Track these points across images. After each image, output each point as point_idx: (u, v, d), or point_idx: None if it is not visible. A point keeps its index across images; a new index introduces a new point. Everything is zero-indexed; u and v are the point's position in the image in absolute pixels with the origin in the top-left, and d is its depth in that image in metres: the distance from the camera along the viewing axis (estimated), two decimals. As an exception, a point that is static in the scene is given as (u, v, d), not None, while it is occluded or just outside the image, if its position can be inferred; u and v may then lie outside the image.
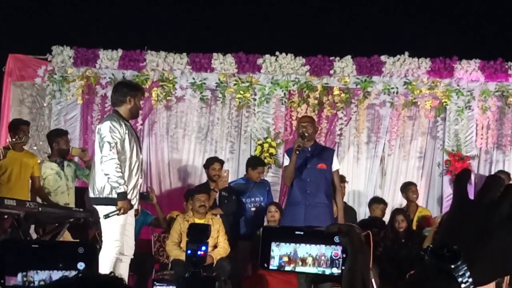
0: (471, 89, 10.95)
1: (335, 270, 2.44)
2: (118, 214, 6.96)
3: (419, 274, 1.52)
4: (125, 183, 6.97)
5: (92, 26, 12.36)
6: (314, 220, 8.05)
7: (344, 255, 2.36)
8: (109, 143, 6.94)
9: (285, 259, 2.46)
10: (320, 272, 2.48)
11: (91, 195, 7.16)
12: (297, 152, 8.07)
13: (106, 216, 6.96)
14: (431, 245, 1.46)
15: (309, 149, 8.36)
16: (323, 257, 2.44)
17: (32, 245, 3.79)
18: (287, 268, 2.51)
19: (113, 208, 6.96)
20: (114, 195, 6.96)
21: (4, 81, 11.56)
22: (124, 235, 7.19)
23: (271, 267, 2.51)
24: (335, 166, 8.45)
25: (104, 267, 6.74)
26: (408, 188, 10.61)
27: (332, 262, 2.42)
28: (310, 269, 2.49)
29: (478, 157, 11.19)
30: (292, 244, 2.46)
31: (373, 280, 8.37)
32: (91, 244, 7.28)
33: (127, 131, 7.13)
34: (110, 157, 6.92)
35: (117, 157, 6.94)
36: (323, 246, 2.45)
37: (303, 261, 2.46)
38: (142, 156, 7.67)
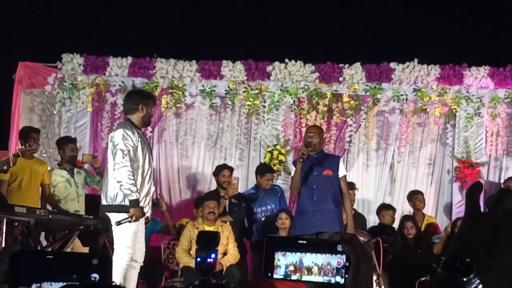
0: (480, 96, 10.94)
1: (340, 279, 2.45)
2: (130, 222, 6.97)
3: (432, 286, 1.53)
4: (137, 190, 6.97)
5: (102, 33, 12.41)
6: (323, 227, 8.01)
7: (348, 264, 2.37)
8: (122, 150, 6.95)
9: (291, 268, 2.47)
10: (326, 281, 2.49)
11: (103, 202, 7.15)
12: (301, 160, 8.07)
13: (118, 223, 6.95)
14: (443, 257, 1.47)
15: (314, 156, 8.34)
16: (329, 266, 2.45)
17: (46, 256, 3.79)
18: (293, 277, 2.51)
19: (125, 215, 6.98)
20: (127, 203, 6.96)
21: (15, 89, 11.59)
22: (136, 242, 7.21)
23: (275, 276, 2.52)
24: (341, 172, 8.42)
25: (116, 274, 6.78)
26: (415, 197, 10.59)
27: (338, 271, 2.43)
28: (316, 278, 2.49)
29: (488, 164, 11.17)
30: (298, 253, 2.47)
31: (383, 287, 8.36)
32: (105, 255, 7.32)
33: (139, 139, 7.15)
34: (123, 165, 6.92)
35: (129, 165, 6.96)
36: (328, 255, 2.46)
37: (309, 270, 2.47)
38: (153, 164, 7.70)
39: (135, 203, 6.94)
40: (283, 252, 2.52)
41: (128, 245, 7.05)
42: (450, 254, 1.51)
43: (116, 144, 6.97)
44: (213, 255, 3.22)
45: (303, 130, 11.00)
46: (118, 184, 6.96)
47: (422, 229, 10.38)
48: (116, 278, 6.80)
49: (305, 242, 2.54)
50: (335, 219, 8.19)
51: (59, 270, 3.48)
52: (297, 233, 8.34)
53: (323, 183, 8.22)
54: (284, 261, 2.52)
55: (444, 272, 1.47)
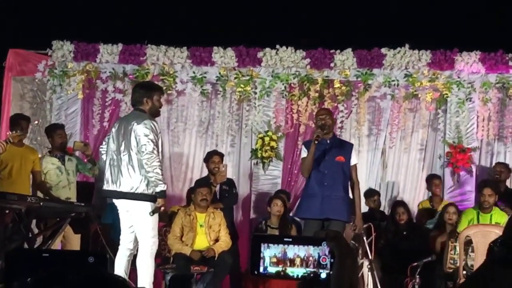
0: (471, 81, 10.94)
1: (323, 273, 2.46)
2: (159, 211, 7.24)
3: (489, 264, 1.54)
4: (165, 181, 7.19)
5: (92, 20, 12.33)
6: (330, 212, 8.03)
7: (332, 260, 2.38)
8: (153, 141, 7.06)
9: (274, 260, 2.49)
10: (308, 272, 2.50)
11: (126, 189, 7.16)
12: (316, 142, 8.02)
13: (153, 212, 7.15)
14: (500, 237, 1.48)
15: (328, 141, 8.30)
16: (310, 258, 2.47)
17: (42, 254, 3.78)
18: (277, 269, 2.53)
19: (150, 204, 7.16)
20: (149, 192, 7.13)
21: (5, 76, 11.54)
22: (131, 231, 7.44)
23: (261, 271, 2.53)
24: (353, 160, 8.40)
25: (149, 259, 7.26)
26: (431, 182, 10.63)
27: (319, 263, 2.45)
28: (298, 270, 2.51)
29: (479, 149, 11.18)
30: (281, 245, 2.49)
31: (374, 272, 8.39)
32: (101, 253, 7.40)
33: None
34: (154, 156, 7.05)
35: (157, 156, 7.08)
36: (311, 247, 2.47)
37: (292, 262, 2.49)
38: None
39: (164, 193, 7.18)
40: (267, 244, 2.53)
41: (155, 233, 7.33)
42: (508, 234, 1.52)
43: (147, 134, 7.07)
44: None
45: (295, 116, 11.03)
46: (144, 173, 7.09)
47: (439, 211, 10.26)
48: (150, 267, 7.27)
49: (290, 239, 2.56)
50: (344, 206, 8.18)
51: (55, 268, 3.46)
52: (303, 216, 8.35)
53: (334, 169, 8.19)
54: (268, 253, 2.53)
55: (501, 251, 1.48)
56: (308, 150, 8.23)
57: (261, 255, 2.58)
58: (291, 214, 10.02)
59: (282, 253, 2.58)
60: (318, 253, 2.50)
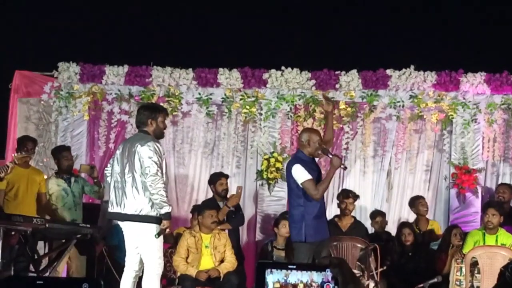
0: (477, 102, 10.94)
1: None
2: (164, 232, 7.25)
3: None
4: (169, 203, 7.18)
5: (98, 42, 12.39)
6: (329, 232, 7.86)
7: (336, 287, 2.40)
8: (156, 163, 7.07)
9: (277, 285, 2.50)
10: None
11: (130, 212, 7.16)
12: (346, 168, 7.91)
13: (158, 235, 7.17)
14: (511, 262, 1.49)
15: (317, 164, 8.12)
16: (313, 283, 2.48)
17: (37, 281, 3.78)
18: None
19: (155, 226, 7.15)
20: (153, 214, 7.13)
21: (11, 98, 11.56)
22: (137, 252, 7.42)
23: None
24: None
25: (155, 283, 7.22)
26: (417, 202, 10.60)
27: None
28: None
29: (485, 170, 11.16)
30: (284, 271, 2.51)
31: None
32: (96, 279, 7.41)
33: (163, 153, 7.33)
34: (158, 178, 7.05)
35: (161, 177, 7.09)
36: (314, 272, 2.48)
37: (295, 287, 2.51)
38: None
39: (169, 215, 7.17)
40: (271, 270, 2.55)
41: (160, 255, 7.31)
42: None
43: (150, 156, 7.08)
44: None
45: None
46: (148, 195, 7.10)
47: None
48: (155, 284, 7.24)
49: (294, 266, 2.58)
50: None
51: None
52: (317, 239, 7.77)
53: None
54: (271, 278, 2.55)
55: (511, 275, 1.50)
56: (309, 171, 7.63)
57: (265, 281, 2.60)
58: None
59: (285, 279, 2.59)
60: (322, 279, 2.51)
